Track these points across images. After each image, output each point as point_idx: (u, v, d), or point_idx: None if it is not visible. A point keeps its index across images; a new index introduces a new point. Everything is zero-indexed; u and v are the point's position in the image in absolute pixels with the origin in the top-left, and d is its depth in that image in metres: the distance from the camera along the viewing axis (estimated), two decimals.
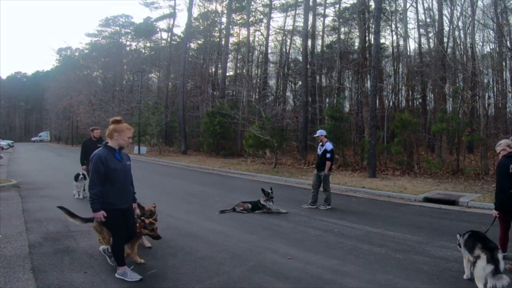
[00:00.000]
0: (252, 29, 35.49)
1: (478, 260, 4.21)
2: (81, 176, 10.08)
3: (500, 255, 4.15)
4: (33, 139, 78.32)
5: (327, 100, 26.86)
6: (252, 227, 7.26)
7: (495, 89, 20.76)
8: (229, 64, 36.40)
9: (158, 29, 48.53)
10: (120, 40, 55.31)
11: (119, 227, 4.55)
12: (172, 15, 39.52)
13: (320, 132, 9.54)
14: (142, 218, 5.26)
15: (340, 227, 7.26)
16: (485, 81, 18.42)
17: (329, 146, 9.25)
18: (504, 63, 19.03)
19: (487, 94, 19.01)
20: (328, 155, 9.16)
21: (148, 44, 52.43)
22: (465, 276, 4.66)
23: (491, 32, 19.22)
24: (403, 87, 24.68)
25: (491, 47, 21.86)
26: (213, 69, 37.68)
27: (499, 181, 5.16)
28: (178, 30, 49.41)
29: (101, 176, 4.36)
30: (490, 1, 17.44)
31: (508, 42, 16.77)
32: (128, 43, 55.56)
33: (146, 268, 4.93)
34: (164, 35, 47.74)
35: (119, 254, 4.59)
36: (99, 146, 9.59)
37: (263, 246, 5.92)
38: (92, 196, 4.34)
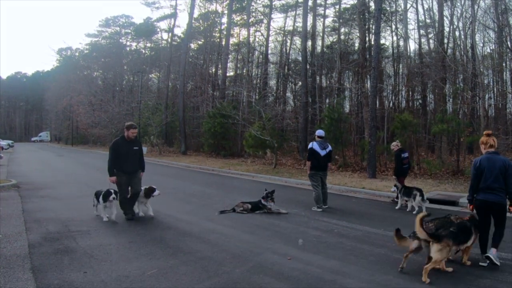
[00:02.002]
0: (252, 29, 35.57)
1: (416, 196, 8.79)
2: (113, 195, 7.37)
3: (423, 193, 8.93)
4: (33, 139, 78.25)
5: (327, 100, 26.85)
6: (252, 227, 7.24)
7: (495, 89, 20.75)
8: (229, 65, 36.44)
9: (158, 30, 48.60)
10: (120, 40, 55.36)
11: None
12: (173, 16, 39.53)
13: (316, 132, 9.66)
14: None
15: (340, 228, 7.24)
16: (485, 82, 18.39)
17: (309, 145, 9.38)
18: (504, 64, 18.99)
19: (487, 95, 19.02)
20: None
21: (148, 45, 52.46)
22: (397, 207, 9.34)
23: (491, 33, 19.22)
24: (403, 88, 24.67)
25: (491, 48, 21.87)
26: (213, 70, 37.66)
27: (396, 163, 10.28)
28: (179, 31, 49.58)
29: None
30: (491, 1, 17.42)
31: (508, 43, 16.76)
32: (128, 43, 55.68)
33: (146, 268, 4.92)
34: (165, 35, 47.82)
35: None
36: (135, 149, 7.97)
37: (263, 247, 5.91)
38: None
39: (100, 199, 7.41)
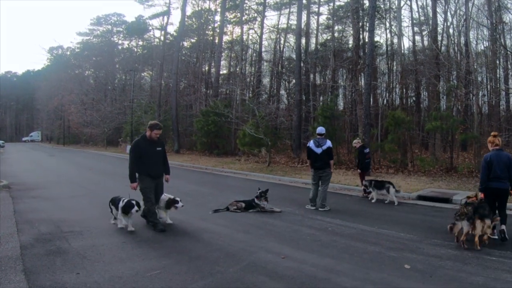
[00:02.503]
0: (245, 27, 35.42)
1: (389, 188, 9.49)
2: (135, 208, 6.53)
3: (395, 185, 9.82)
4: (24, 139, 77.89)
5: (321, 98, 26.83)
6: (245, 226, 7.19)
7: (488, 87, 20.82)
8: (222, 63, 36.27)
9: (150, 28, 48.29)
10: (112, 39, 54.94)
11: None
12: (166, 13, 39.26)
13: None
14: None
15: (334, 226, 7.21)
16: (479, 79, 18.46)
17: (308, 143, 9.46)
18: (497, 61, 19.09)
19: (481, 92, 19.09)
20: None
21: (140, 43, 52.18)
22: (373, 200, 9.88)
23: (485, 30, 19.28)
24: (397, 85, 24.72)
25: (485, 45, 21.96)
26: (207, 68, 37.49)
27: (360, 158, 11.03)
28: (171, 29, 49.16)
29: None
30: None
31: (502, 40, 16.83)
32: (120, 41, 55.27)
33: (139, 268, 4.86)
34: (157, 33, 47.55)
35: None
36: (158, 150, 6.99)
37: (257, 245, 5.87)
38: None
39: (120, 210, 6.64)
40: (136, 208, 6.50)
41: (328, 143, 9.07)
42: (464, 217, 5.72)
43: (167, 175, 7.25)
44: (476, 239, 5.63)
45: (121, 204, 6.63)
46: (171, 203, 7.12)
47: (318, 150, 8.95)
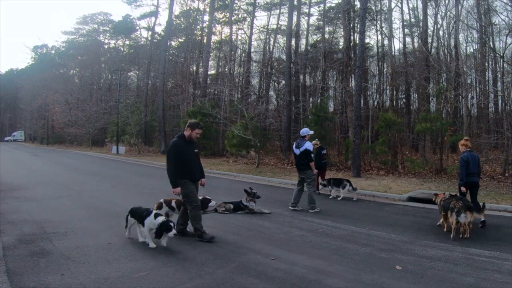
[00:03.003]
0: (235, 27, 35.26)
1: (346, 186, 10.31)
2: (174, 231, 5.51)
3: (352, 183, 10.61)
4: (6, 138, 76.81)
5: (311, 99, 26.71)
6: (234, 227, 7.12)
7: (477, 89, 20.99)
8: (211, 63, 36.03)
9: (138, 27, 47.79)
10: (98, 38, 54.30)
11: None
12: (154, 14, 38.92)
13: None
14: None
15: (325, 227, 7.17)
16: (468, 81, 18.56)
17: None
18: (486, 64, 19.25)
19: (470, 94, 19.19)
20: None
21: (127, 42, 51.63)
22: (330, 196, 10.68)
23: (474, 32, 19.42)
24: (388, 87, 24.76)
25: (474, 48, 22.18)
26: (194, 68, 37.11)
27: (316, 159, 10.72)
28: (159, 28, 48.72)
29: None
30: (474, 1, 17.60)
31: (491, 43, 16.93)
32: (106, 41, 54.61)
33: (125, 270, 4.78)
34: (144, 33, 47.11)
35: None
36: (195, 152, 6.42)
37: (246, 247, 5.82)
38: None
39: (147, 228, 5.68)
40: (174, 231, 5.49)
41: (306, 145, 8.84)
42: (461, 210, 6.37)
43: (203, 179, 6.68)
44: (466, 227, 6.50)
45: (152, 220, 5.57)
46: (204, 203, 6.54)
47: (297, 151, 8.98)
